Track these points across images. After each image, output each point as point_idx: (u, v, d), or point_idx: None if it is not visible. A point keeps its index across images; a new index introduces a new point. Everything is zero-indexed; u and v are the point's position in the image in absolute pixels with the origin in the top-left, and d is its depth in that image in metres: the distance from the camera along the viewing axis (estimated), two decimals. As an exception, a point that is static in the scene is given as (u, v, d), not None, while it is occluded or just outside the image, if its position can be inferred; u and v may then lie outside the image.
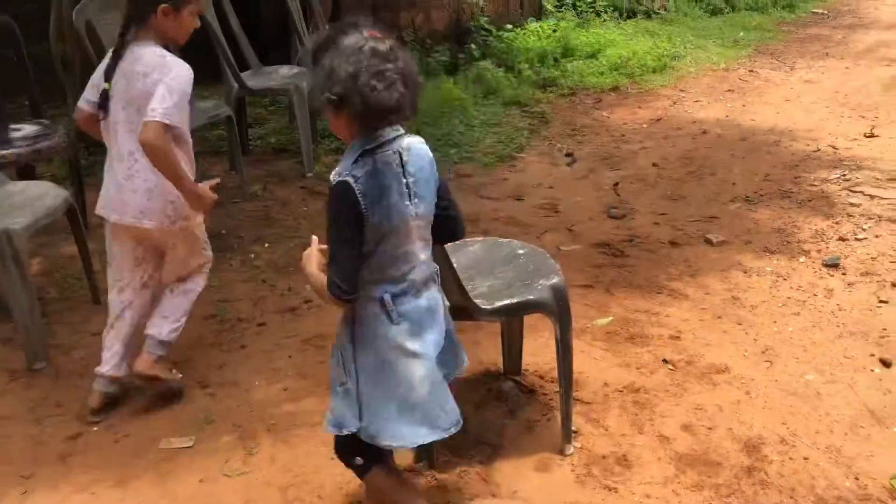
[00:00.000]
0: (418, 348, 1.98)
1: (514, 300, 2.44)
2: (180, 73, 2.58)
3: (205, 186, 2.71)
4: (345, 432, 2.01)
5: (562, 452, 2.60)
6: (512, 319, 2.84)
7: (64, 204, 3.28)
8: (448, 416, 2.05)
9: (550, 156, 5.60)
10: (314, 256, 1.99)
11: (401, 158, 1.90)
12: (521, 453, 2.61)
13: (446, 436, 2.05)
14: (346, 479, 2.50)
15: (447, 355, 2.09)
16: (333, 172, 1.88)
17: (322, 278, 1.90)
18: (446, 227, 2.05)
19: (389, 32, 1.86)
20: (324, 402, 2.85)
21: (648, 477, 2.51)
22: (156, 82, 2.53)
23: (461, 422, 2.08)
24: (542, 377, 3.00)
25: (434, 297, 2.03)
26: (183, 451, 2.65)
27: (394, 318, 1.94)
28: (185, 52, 4.95)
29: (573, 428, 2.66)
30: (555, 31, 8.01)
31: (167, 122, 2.50)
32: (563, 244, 4.15)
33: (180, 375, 2.94)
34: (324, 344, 3.25)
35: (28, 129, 4.01)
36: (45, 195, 3.29)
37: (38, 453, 2.65)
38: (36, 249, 3.95)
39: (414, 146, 1.94)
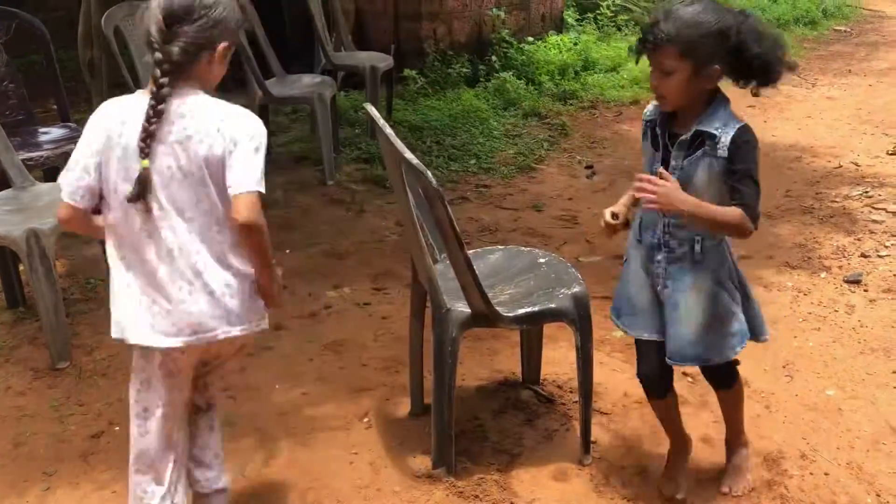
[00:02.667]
0: None
1: (536, 308, 2.45)
2: (257, 125, 1.95)
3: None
4: (747, 339, 2.30)
5: (580, 462, 2.60)
6: (532, 328, 2.84)
7: (90, 206, 3.32)
8: None
9: (570, 168, 5.61)
10: (677, 185, 2.07)
11: None
12: (540, 462, 2.61)
13: None
14: (364, 482, 2.52)
15: None
16: (714, 128, 2.08)
17: (725, 211, 2.07)
18: None
19: None
20: (343, 406, 2.89)
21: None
22: (231, 141, 1.88)
23: None
24: (560, 387, 3.00)
25: None
26: (203, 453, 2.66)
27: (730, 243, 2.28)
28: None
29: (592, 438, 2.65)
30: (576, 44, 8.02)
31: (262, 190, 1.91)
32: (582, 255, 4.15)
33: None
34: (343, 349, 3.27)
35: (56, 132, 4.09)
36: (71, 197, 3.33)
37: (61, 451, 2.68)
38: (61, 251, 4.00)
39: None
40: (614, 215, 2.26)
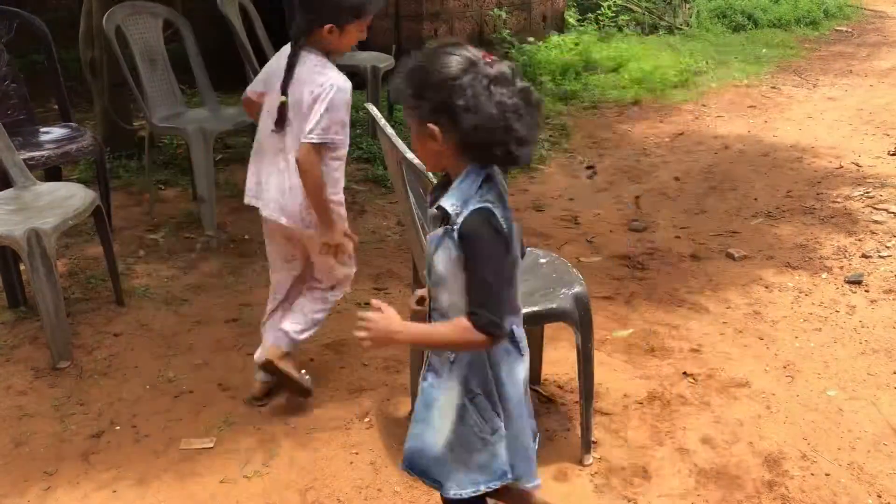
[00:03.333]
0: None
1: (537, 308, 2.44)
2: (341, 86, 2.57)
3: (345, 227, 2.75)
4: (508, 479, 1.87)
5: (581, 463, 2.59)
6: (533, 328, 2.83)
7: (91, 205, 3.32)
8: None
9: (571, 168, 5.61)
10: (392, 315, 1.75)
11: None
12: (540, 462, 2.55)
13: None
14: (365, 482, 2.52)
15: None
16: (450, 205, 1.70)
17: (445, 328, 1.74)
18: None
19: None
20: (344, 406, 2.89)
21: (668, 489, 2.50)
22: (315, 98, 2.54)
23: None
24: (561, 387, 3.00)
25: None
26: (203, 452, 2.67)
27: (522, 350, 1.86)
28: (211, 60, 5.02)
29: (592, 438, 2.65)
30: (577, 44, 8.03)
31: (320, 141, 2.54)
32: (583, 256, 4.15)
33: (308, 377, 2.91)
34: (343, 349, 3.27)
35: (57, 132, 4.08)
36: (73, 196, 3.34)
37: (61, 450, 2.68)
38: (62, 250, 4.00)
39: None
40: (421, 300, 1.97)
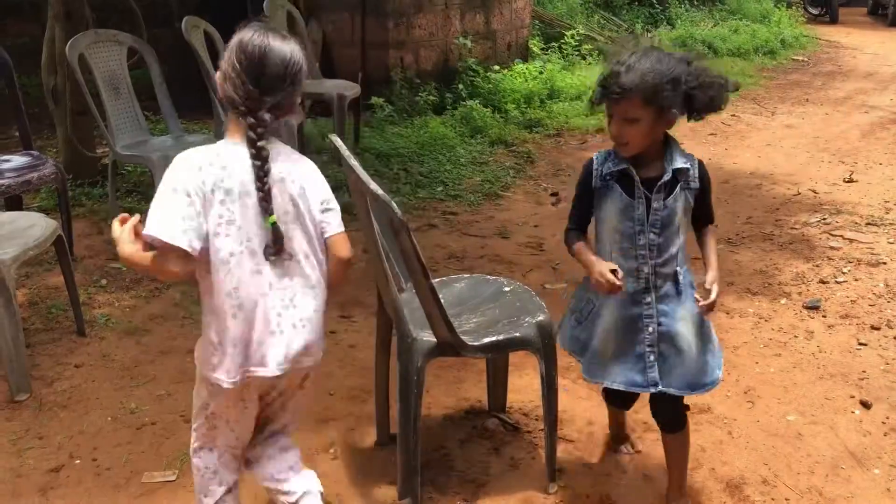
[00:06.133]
0: None
1: (501, 337, 2.46)
2: (315, 167, 2.09)
3: None
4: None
5: (545, 491, 2.60)
6: (497, 356, 2.86)
7: (52, 235, 3.29)
8: None
9: (536, 195, 5.67)
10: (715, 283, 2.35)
11: None
12: (506, 491, 2.61)
13: None
14: (329, 515, 2.50)
15: None
16: (683, 163, 2.24)
17: (714, 247, 2.42)
18: None
19: None
20: (309, 437, 2.87)
21: (632, 516, 2.51)
22: (310, 187, 2.02)
23: None
24: (526, 414, 3.02)
25: None
26: (165, 486, 2.63)
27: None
28: (177, 86, 5.01)
29: (557, 466, 2.66)
30: (541, 72, 8.15)
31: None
32: (548, 282, 4.18)
33: None
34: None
35: (17, 160, 4.04)
36: (33, 226, 3.30)
37: (18, 486, 2.62)
38: (22, 280, 3.94)
39: None
40: (615, 271, 2.26)
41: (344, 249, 2.07)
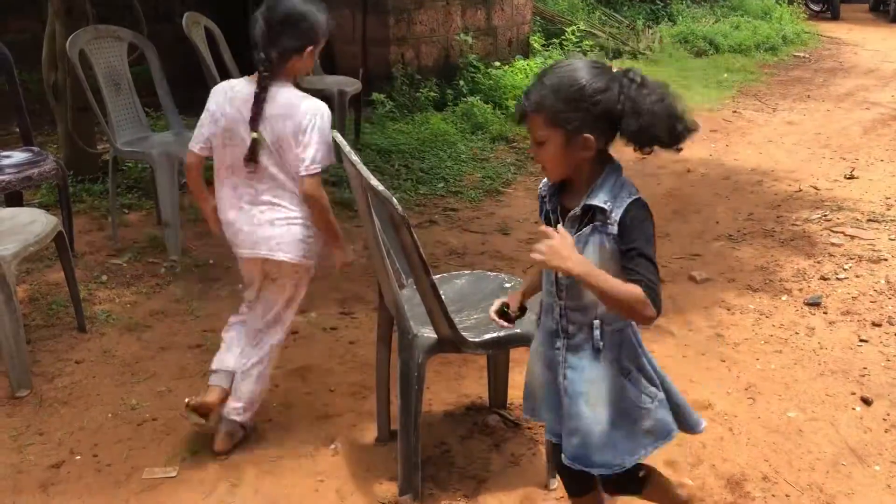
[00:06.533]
0: None
1: (502, 333, 2.45)
2: (324, 112, 2.58)
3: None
4: (673, 436, 2.02)
5: (546, 487, 2.60)
6: (498, 352, 2.86)
7: (53, 231, 3.28)
8: None
9: (536, 191, 5.65)
10: (570, 241, 1.84)
11: None
12: (506, 487, 2.61)
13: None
14: (330, 511, 2.50)
15: None
16: (603, 202, 1.85)
17: (620, 284, 1.81)
18: None
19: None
20: (310, 433, 2.87)
21: (632, 512, 2.51)
22: (303, 128, 2.52)
23: None
24: (527, 411, 3.01)
25: None
26: (166, 482, 2.63)
27: (638, 332, 2.01)
28: (177, 83, 5.00)
29: (558, 462, 2.66)
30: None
31: (322, 168, 2.57)
32: (548, 279, 4.18)
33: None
34: (309, 375, 3.26)
35: (18, 156, 4.03)
36: (34, 222, 3.30)
37: (19, 482, 2.62)
38: (22, 276, 3.94)
39: None
40: (505, 306, 2.13)
41: (310, 187, 2.54)
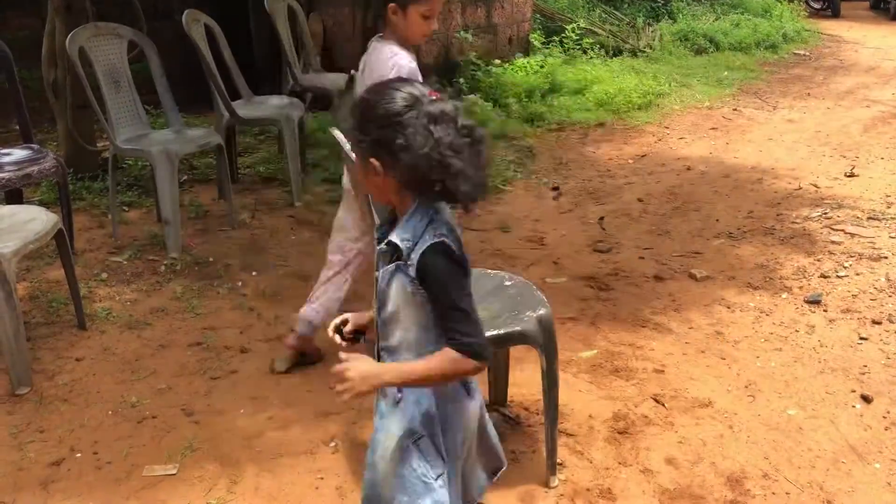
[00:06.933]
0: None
1: (502, 331, 2.46)
2: (402, 65, 2.75)
3: None
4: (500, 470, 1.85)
5: (546, 484, 2.60)
6: (498, 350, 2.85)
7: (53, 228, 3.28)
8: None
9: (537, 189, 5.66)
10: (366, 359, 1.69)
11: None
12: (507, 484, 2.60)
13: None
14: (330, 508, 2.50)
15: None
16: (401, 240, 1.67)
17: (433, 362, 1.64)
18: None
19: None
20: (310, 430, 2.87)
21: (632, 510, 2.52)
22: (367, 69, 2.80)
23: None
24: (527, 408, 3.01)
25: None
26: (166, 479, 2.63)
27: (471, 392, 1.80)
28: (176, 81, 5.00)
29: (558, 460, 2.66)
30: (542, 67, 8.13)
31: None
32: (548, 277, 4.18)
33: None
34: (310, 372, 3.25)
35: (18, 153, 4.02)
36: (34, 219, 3.29)
37: (19, 479, 2.62)
38: (23, 273, 3.94)
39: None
40: (343, 323, 1.91)
41: None
